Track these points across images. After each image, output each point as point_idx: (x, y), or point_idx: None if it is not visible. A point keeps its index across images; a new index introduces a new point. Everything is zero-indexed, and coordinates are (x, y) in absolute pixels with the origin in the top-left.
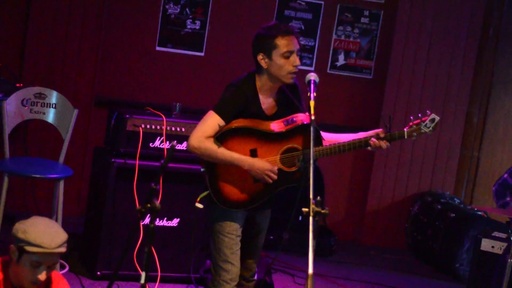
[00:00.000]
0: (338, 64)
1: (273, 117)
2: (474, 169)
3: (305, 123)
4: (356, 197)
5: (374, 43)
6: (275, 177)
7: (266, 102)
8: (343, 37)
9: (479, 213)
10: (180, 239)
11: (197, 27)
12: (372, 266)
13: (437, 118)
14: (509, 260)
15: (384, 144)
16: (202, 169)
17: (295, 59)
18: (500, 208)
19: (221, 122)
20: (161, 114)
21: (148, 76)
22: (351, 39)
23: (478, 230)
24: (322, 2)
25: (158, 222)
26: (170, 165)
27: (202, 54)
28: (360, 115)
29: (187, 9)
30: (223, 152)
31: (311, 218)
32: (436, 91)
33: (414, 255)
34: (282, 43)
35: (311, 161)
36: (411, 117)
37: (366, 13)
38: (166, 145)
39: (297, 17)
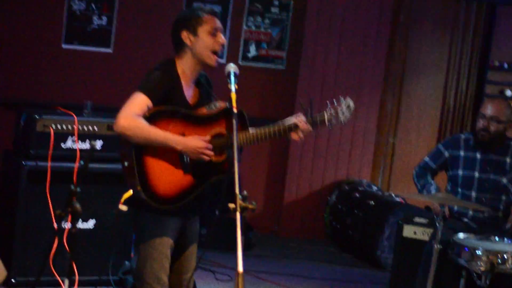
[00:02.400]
0: (250, 55)
1: (195, 107)
2: (390, 155)
3: (228, 107)
4: (273, 189)
5: (286, 33)
6: (211, 153)
7: (188, 90)
8: (253, 28)
9: (398, 199)
10: (96, 241)
11: (104, 23)
12: (292, 258)
13: (353, 105)
14: (435, 246)
15: (307, 127)
16: (125, 163)
17: (221, 37)
18: (421, 190)
19: (149, 102)
20: (72, 114)
21: (55, 75)
22: (262, 29)
23: (397, 217)
24: None
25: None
26: None
27: (110, 50)
28: (274, 106)
29: (92, 5)
30: (155, 131)
31: (238, 214)
32: (350, 79)
33: (334, 244)
34: (209, 20)
35: (235, 153)
36: (327, 103)
37: (276, 3)
38: (80, 145)
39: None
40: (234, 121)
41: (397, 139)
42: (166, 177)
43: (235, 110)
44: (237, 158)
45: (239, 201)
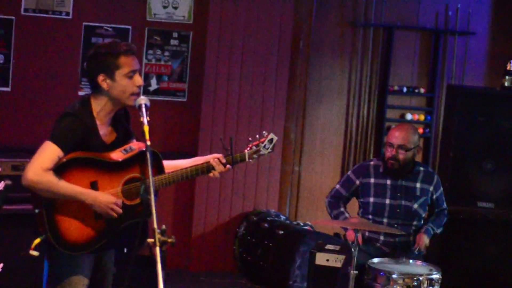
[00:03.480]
0: (151, 89)
1: (112, 146)
2: (296, 184)
3: (142, 150)
4: (181, 223)
5: (186, 65)
6: (120, 210)
7: (104, 129)
8: (153, 61)
9: (306, 227)
10: (4, 286)
11: (1, 61)
12: None
13: (275, 138)
14: (351, 271)
15: (226, 168)
16: (36, 210)
17: (138, 78)
18: (334, 218)
19: (60, 153)
20: None
21: None
22: (162, 62)
23: (307, 245)
24: (130, 27)
25: None
26: None
27: (8, 89)
28: (178, 139)
29: None
30: (64, 186)
31: (157, 248)
32: (253, 109)
33: (246, 277)
34: (126, 62)
35: (151, 189)
36: (250, 139)
37: (176, 35)
38: None
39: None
40: (148, 155)
41: (302, 167)
42: (77, 224)
43: (148, 143)
44: (153, 193)
45: (158, 235)
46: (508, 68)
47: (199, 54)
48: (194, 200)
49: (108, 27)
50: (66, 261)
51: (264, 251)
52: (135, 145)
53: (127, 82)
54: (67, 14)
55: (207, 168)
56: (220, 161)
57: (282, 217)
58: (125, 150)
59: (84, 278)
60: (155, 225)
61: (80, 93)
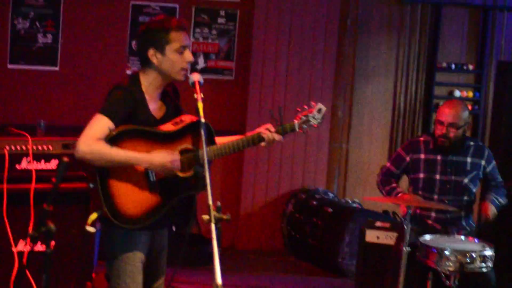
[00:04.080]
0: (199, 67)
1: (161, 121)
2: (344, 161)
3: (195, 121)
4: (229, 201)
5: (233, 43)
6: (179, 164)
7: (153, 104)
8: (201, 40)
9: (355, 205)
10: (57, 263)
11: (49, 41)
12: (252, 271)
13: (324, 108)
14: (404, 248)
15: (277, 136)
16: (91, 185)
17: (188, 54)
18: (387, 195)
19: (111, 124)
20: (26, 134)
21: (4, 95)
22: (209, 40)
23: (357, 223)
24: (177, 5)
25: (33, 247)
26: (39, 185)
27: (57, 68)
28: (226, 117)
29: (37, 23)
30: (118, 152)
31: (213, 225)
32: (300, 87)
33: (294, 254)
34: (177, 37)
35: (206, 163)
36: (298, 109)
37: (223, 13)
38: (35, 165)
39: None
40: (202, 131)
41: (350, 145)
42: (132, 197)
43: (202, 120)
44: (208, 170)
45: (213, 212)
46: None
47: (246, 32)
48: (242, 178)
49: (155, 6)
50: (122, 237)
51: (313, 228)
52: (185, 118)
53: (177, 57)
54: None
55: (258, 138)
56: (270, 130)
57: (330, 195)
58: (175, 122)
59: (141, 254)
60: (211, 202)
61: (128, 71)
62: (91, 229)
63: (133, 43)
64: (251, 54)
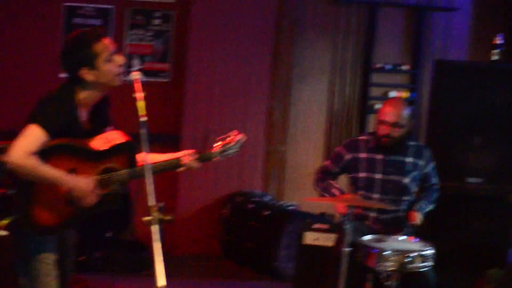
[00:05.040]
0: (134, 69)
1: (90, 132)
2: (281, 164)
3: (122, 142)
4: (165, 206)
5: (169, 45)
6: (96, 200)
7: (84, 116)
8: (136, 41)
9: (292, 207)
10: None
11: None
12: (190, 276)
13: (243, 139)
14: (344, 249)
15: (196, 164)
16: (12, 191)
17: (118, 58)
18: (322, 191)
19: (46, 138)
20: None
21: None
22: (145, 42)
23: (294, 225)
24: (112, 7)
25: None
26: None
27: None
28: (161, 120)
29: None
30: (47, 170)
31: (154, 227)
32: (236, 88)
33: (231, 259)
34: (101, 48)
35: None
36: (219, 138)
37: (158, 14)
38: None
39: (87, 24)
40: (143, 131)
41: (286, 147)
42: (48, 208)
43: (144, 119)
44: (149, 169)
45: (155, 213)
46: (495, 42)
47: (182, 34)
48: (178, 183)
49: (89, 7)
50: (32, 240)
51: (250, 232)
52: (115, 135)
53: (109, 66)
54: None
55: (178, 164)
56: (192, 157)
57: (267, 198)
58: (105, 139)
59: (52, 254)
60: (152, 203)
61: (61, 75)
62: (2, 233)
63: (61, 62)
64: (187, 55)
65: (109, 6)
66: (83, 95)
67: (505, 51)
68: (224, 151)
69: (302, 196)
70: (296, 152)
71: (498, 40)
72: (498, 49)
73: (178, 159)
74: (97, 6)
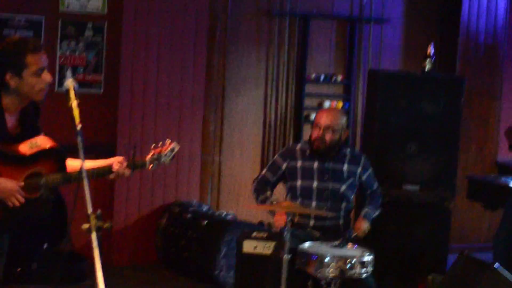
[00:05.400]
0: (67, 78)
1: (17, 138)
2: (217, 174)
3: (49, 147)
4: (103, 214)
5: (101, 56)
6: (22, 200)
7: (12, 121)
8: (68, 53)
9: (229, 216)
10: None
11: None
12: (128, 287)
13: (177, 148)
14: (284, 256)
15: (127, 171)
16: None
17: (47, 76)
18: (260, 203)
19: None
20: None
21: None
22: (77, 53)
23: (232, 234)
24: (43, 18)
25: None
26: None
27: None
28: (95, 132)
29: None
30: None
31: (94, 234)
32: (171, 100)
33: (169, 269)
34: (34, 61)
35: (84, 173)
36: (152, 146)
37: (90, 25)
38: None
39: (18, 35)
40: (79, 138)
41: (222, 157)
42: None
43: (79, 126)
44: (86, 177)
45: (93, 221)
46: (428, 52)
47: (115, 45)
48: (114, 192)
49: (21, 18)
50: None
51: (188, 242)
52: (42, 141)
53: (35, 80)
54: None
55: (108, 170)
56: (122, 164)
57: (205, 207)
58: (32, 144)
59: None
60: (90, 210)
61: None
62: None
63: None
64: (120, 66)
65: (40, 17)
66: (6, 100)
67: (436, 61)
68: (157, 159)
69: (239, 205)
70: (232, 163)
71: (430, 50)
72: (429, 58)
73: (109, 165)
74: (28, 16)
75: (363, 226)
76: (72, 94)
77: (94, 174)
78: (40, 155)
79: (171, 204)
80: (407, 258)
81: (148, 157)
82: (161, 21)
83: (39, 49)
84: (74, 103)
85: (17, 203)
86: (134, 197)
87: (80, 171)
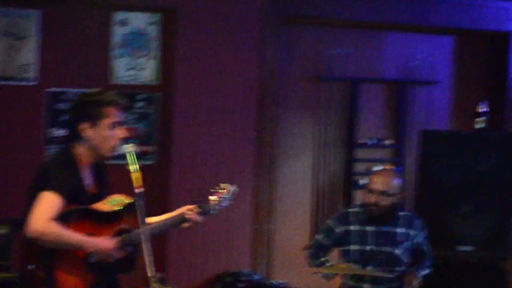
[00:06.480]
0: (117, 153)
1: (96, 198)
2: (268, 242)
3: (130, 202)
4: (163, 280)
5: (153, 127)
6: (120, 254)
7: (88, 180)
8: None
9: (283, 285)
10: None
11: None
12: None
13: (236, 190)
14: None
15: (200, 218)
16: (30, 267)
17: (121, 131)
18: (317, 267)
19: (62, 201)
20: None
21: None
22: (129, 125)
23: None
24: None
25: None
26: None
27: None
28: (148, 201)
29: None
30: (70, 235)
31: None
32: (222, 169)
33: None
34: (111, 113)
35: (143, 236)
36: (211, 190)
37: (141, 96)
38: None
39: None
40: (139, 202)
41: (273, 226)
42: (72, 276)
43: (140, 190)
44: (145, 240)
45: (154, 284)
46: (478, 110)
47: (166, 116)
48: (166, 265)
49: (71, 91)
50: None
51: None
52: (121, 197)
53: (110, 132)
54: (30, 81)
55: (182, 219)
56: (193, 212)
57: (257, 277)
58: (112, 201)
59: None
60: (150, 273)
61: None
62: None
63: (69, 112)
64: (171, 137)
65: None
66: (78, 150)
67: (488, 119)
68: (220, 202)
69: (291, 273)
70: (283, 230)
71: (482, 109)
72: (482, 117)
73: (182, 214)
74: (79, 90)
75: (413, 279)
76: (132, 158)
77: (172, 223)
78: (124, 211)
79: (223, 274)
80: None
81: (212, 201)
82: (212, 90)
83: (117, 103)
84: (134, 167)
85: (112, 260)
86: (185, 267)
87: (154, 223)
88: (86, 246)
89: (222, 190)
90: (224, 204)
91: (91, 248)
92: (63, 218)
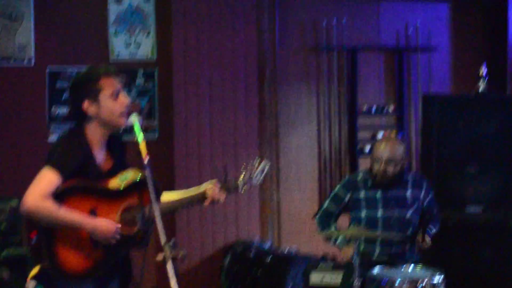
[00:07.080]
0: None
1: (109, 173)
2: (276, 212)
3: (140, 179)
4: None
5: (154, 102)
6: (118, 237)
7: (100, 156)
8: None
9: (293, 251)
10: None
11: None
12: None
13: (267, 166)
14: (355, 282)
15: (222, 196)
16: (33, 239)
17: (123, 98)
18: (329, 239)
19: (60, 179)
20: None
21: None
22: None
23: (298, 268)
24: None
25: None
26: None
27: None
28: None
29: None
30: (64, 213)
31: (169, 264)
32: (225, 140)
33: None
34: (107, 84)
35: (154, 204)
36: (242, 167)
37: (141, 72)
38: None
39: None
40: (147, 172)
41: (280, 194)
42: (75, 252)
43: (147, 159)
44: (157, 209)
45: (167, 250)
46: (480, 73)
47: (166, 90)
48: (175, 236)
49: (72, 69)
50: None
51: (253, 279)
52: (131, 173)
53: (113, 103)
54: (29, 61)
55: (202, 197)
56: (216, 189)
57: (267, 245)
58: (121, 178)
59: None
60: (163, 240)
61: (50, 139)
62: (32, 283)
63: (68, 95)
64: (173, 111)
65: None
66: (89, 131)
67: (489, 81)
68: (248, 180)
69: (300, 241)
70: (290, 198)
71: (483, 71)
72: (483, 79)
73: (201, 193)
74: (79, 68)
75: (425, 240)
76: (137, 128)
77: (187, 203)
78: (132, 187)
79: (233, 243)
80: (476, 280)
81: (240, 179)
82: (211, 64)
83: (111, 73)
84: (140, 136)
85: (113, 241)
86: (196, 239)
87: (167, 202)
88: (82, 226)
89: (253, 166)
90: (254, 181)
91: (89, 229)
92: (63, 193)
